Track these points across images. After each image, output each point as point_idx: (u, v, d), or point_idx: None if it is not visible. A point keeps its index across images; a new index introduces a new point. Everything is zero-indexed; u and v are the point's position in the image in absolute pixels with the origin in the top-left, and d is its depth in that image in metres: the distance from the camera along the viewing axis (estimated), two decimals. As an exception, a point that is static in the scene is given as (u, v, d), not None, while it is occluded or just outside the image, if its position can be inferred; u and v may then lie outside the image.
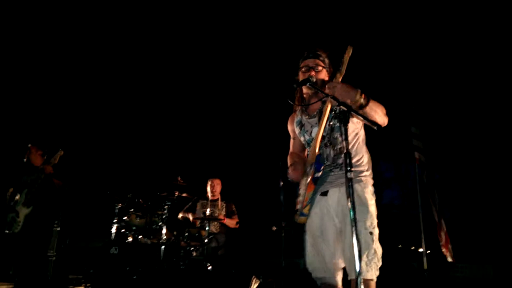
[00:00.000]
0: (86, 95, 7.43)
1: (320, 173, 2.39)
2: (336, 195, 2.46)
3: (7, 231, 4.71)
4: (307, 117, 2.66)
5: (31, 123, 7.05)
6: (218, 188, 5.95)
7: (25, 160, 5.10)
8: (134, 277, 4.61)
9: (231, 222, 5.73)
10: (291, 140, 2.89)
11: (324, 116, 2.42)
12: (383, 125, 2.34)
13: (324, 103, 2.53)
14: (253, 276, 4.31)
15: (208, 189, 5.93)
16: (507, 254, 6.40)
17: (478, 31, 6.17)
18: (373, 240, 2.31)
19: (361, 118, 2.11)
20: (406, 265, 7.28)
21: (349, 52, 2.37)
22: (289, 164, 2.74)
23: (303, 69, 2.63)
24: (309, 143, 2.62)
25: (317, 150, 2.44)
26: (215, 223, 5.63)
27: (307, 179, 2.44)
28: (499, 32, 6.08)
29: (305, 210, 2.48)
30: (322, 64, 2.62)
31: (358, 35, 6.33)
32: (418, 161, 6.32)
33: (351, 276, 2.30)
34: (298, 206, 2.51)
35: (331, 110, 2.50)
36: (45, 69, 7.07)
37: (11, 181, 5.03)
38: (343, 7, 6.31)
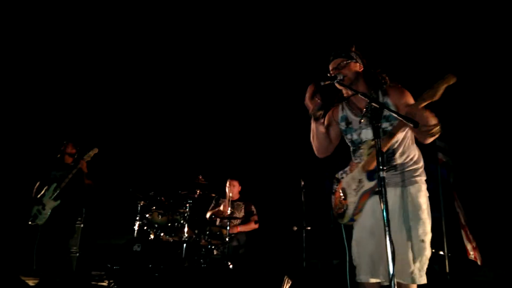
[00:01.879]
0: (110, 95, 7.52)
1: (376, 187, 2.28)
2: (389, 195, 2.33)
3: (30, 223, 4.78)
4: (354, 114, 2.59)
5: (55, 119, 7.19)
6: (235, 189, 5.93)
7: (59, 155, 5.16)
8: (156, 274, 4.65)
9: (247, 227, 5.73)
10: (328, 129, 2.73)
11: (391, 139, 2.32)
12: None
13: (370, 103, 2.33)
14: (286, 276, 4.27)
15: (227, 190, 5.94)
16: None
17: (504, 28, 6.03)
18: (425, 248, 2.28)
19: (397, 115, 2.06)
20: (428, 268, 7.16)
21: (449, 81, 2.03)
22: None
23: (331, 73, 2.60)
24: (357, 143, 2.57)
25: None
26: (235, 222, 5.63)
27: (362, 188, 2.42)
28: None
29: (356, 217, 2.48)
30: (345, 61, 2.56)
31: (382, 32, 6.25)
32: (442, 162, 6.20)
33: (399, 279, 2.25)
34: (345, 210, 2.49)
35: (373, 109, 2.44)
36: (76, 70, 7.20)
37: (40, 175, 5.09)
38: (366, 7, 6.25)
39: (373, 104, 2.13)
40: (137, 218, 5.16)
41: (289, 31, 6.52)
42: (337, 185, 2.64)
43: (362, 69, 2.61)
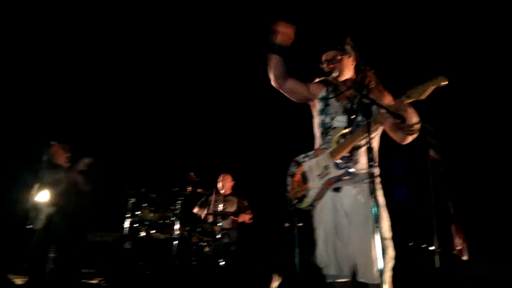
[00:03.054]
0: (100, 91, 7.45)
1: (348, 176, 2.37)
2: (349, 193, 2.43)
3: (30, 226, 4.69)
4: (334, 99, 2.58)
5: (45, 120, 7.10)
6: (228, 184, 5.94)
7: (46, 157, 5.03)
8: (147, 272, 4.63)
9: (245, 218, 5.72)
10: (300, 82, 2.76)
11: (363, 132, 2.27)
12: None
13: (353, 97, 2.46)
14: (275, 273, 4.27)
15: (220, 184, 5.93)
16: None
17: (498, 24, 6.08)
18: (388, 247, 2.30)
19: (386, 109, 2.08)
20: (418, 263, 7.22)
21: (439, 83, 2.01)
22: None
23: (324, 64, 2.60)
24: (326, 127, 2.55)
25: (345, 152, 2.38)
26: (228, 218, 5.62)
27: (328, 175, 2.41)
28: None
29: (316, 203, 2.48)
30: (341, 53, 2.57)
31: (370, 27, 6.26)
32: (432, 158, 6.24)
33: (362, 279, 2.30)
34: (305, 195, 2.50)
35: (352, 102, 2.45)
36: (60, 68, 7.11)
37: (34, 178, 4.98)
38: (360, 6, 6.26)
39: (364, 100, 2.13)
40: (128, 215, 5.11)
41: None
42: (296, 168, 2.62)
43: (354, 63, 2.62)
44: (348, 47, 2.61)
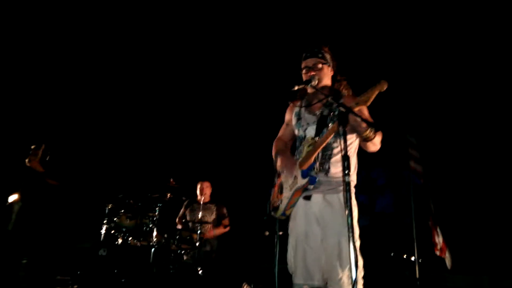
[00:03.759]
0: (78, 95, 7.35)
1: (312, 186, 2.40)
2: (319, 201, 2.45)
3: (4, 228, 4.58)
4: (306, 111, 2.63)
5: (23, 124, 6.96)
6: (207, 191, 5.87)
7: (27, 162, 4.87)
8: (123, 280, 4.52)
9: (220, 231, 5.65)
10: (284, 126, 2.88)
11: (327, 137, 2.33)
12: (373, 152, 2.42)
13: (327, 105, 2.52)
14: (244, 283, 4.24)
15: (198, 192, 5.84)
16: (504, 265, 6.38)
17: (476, 38, 6.19)
18: (356, 255, 2.28)
19: (361, 118, 2.08)
20: (398, 273, 7.23)
21: (382, 87, 2.03)
22: (274, 150, 2.77)
23: (304, 71, 2.63)
24: (300, 139, 2.61)
25: (312, 160, 2.42)
26: (207, 226, 5.54)
27: (296, 184, 2.43)
28: (497, 39, 6.10)
29: (287, 212, 2.54)
30: (322, 61, 2.59)
31: (353, 38, 6.32)
32: (413, 170, 6.28)
33: (330, 286, 2.29)
34: (279, 205, 2.55)
35: (329, 111, 2.50)
36: (37, 68, 6.98)
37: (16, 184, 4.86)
38: (341, 8, 6.30)
39: (341, 108, 2.10)
40: (105, 221, 4.99)
41: (264, 36, 6.55)
42: (277, 179, 2.69)
43: (332, 73, 2.66)
44: (328, 56, 2.64)
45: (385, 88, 2.02)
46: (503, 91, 6.73)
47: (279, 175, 2.67)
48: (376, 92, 2.04)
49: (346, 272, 2.23)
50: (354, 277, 1.84)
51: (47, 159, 4.79)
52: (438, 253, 5.76)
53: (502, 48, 6.27)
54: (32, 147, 4.80)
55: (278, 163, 2.63)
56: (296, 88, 2.56)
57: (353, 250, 1.87)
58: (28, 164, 4.72)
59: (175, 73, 7.34)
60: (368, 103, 2.07)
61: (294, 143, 2.78)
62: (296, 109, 2.70)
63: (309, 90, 2.64)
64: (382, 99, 2.35)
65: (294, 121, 2.70)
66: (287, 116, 2.83)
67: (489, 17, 5.92)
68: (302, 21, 6.38)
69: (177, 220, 5.91)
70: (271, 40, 6.52)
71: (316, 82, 2.52)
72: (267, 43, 6.57)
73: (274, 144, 2.84)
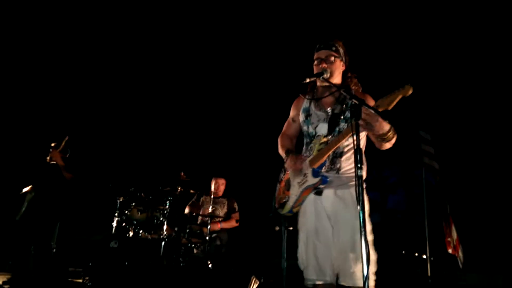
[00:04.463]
0: (92, 90, 7.42)
1: (323, 186, 2.39)
2: (330, 196, 2.43)
3: (17, 219, 4.64)
4: (317, 108, 2.59)
5: (36, 119, 7.05)
6: (222, 187, 5.89)
7: (48, 160, 4.87)
8: (133, 271, 4.55)
9: (228, 224, 5.64)
10: (289, 121, 2.84)
11: (343, 137, 2.30)
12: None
13: (339, 101, 2.49)
14: (253, 276, 4.23)
15: (212, 188, 5.85)
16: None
17: (492, 33, 6.07)
18: (370, 249, 2.26)
19: (373, 111, 2.04)
20: (410, 271, 7.16)
21: (406, 92, 1.97)
22: (281, 147, 2.74)
23: (315, 62, 2.58)
24: (311, 136, 2.57)
25: (324, 159, 2.40)
26: (216, 220, 5.54)
27: (306, 183, 2.42)
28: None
29: (295, 210, 2.53)
30: (335, 54, 2.55)
31: (365, 33, 6.25)
32: (428, 166, 6.16)
33: (343, 282, 2.28)
34: (286, 201, 2.54)
35: (340, 108, 2.48)
36: (53, 67, 7.08)
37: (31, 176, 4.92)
38: (354, 7, 6.24)
39: (354, 100, 2.07)
40: (116, 214, 5.03)
41: (271, 33, 6.52)
42: (283, 175, 2.67)
43: (343, 69, 2.61)
44: (341, 51, 2.59)
45: (409, 93, 1.97)
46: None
47: (285, 171, 2.65)
48: (400, 97, 1.99)
49: (359, 265, 2.20)
50: (365, 273, 1.81)
51: (67, 155, 4.84)
52: (451, 251, 5.68)
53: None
54: (53, 144, 4.87)
55: (287, 162, 2.60)
56: (307, 80, 2.53)
57: (364, 245, 1.84)
58: (49, 157, 4.78)
59: (187, 69, 7.36)
60: (390, 107, 2.03)
61: (299, 138, 2.76)
62: (305, 105, 2.66)
63: (319, 83, 2.60)
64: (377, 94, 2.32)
65: (302, 117, 2.66)
66: (292, 112, 2.79)
67: (507, 13, 5.80)
68: (312, 17, 6.33)
69: (187, 207, 5.90)
70: (283, 38, 6.48)
71: (328, 75, 2.46)
72: (279, 40, 6.54)
73: (279, 140, 2.81)
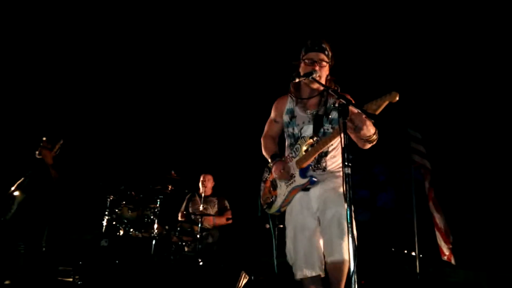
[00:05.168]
0: (82, 89, 7.38)
1: (312, 185, 2.44)
2: (317, 193, 2.48)
3: (1, 218, 4.60)
4: (301, 109, 2.62)
5: (25, 117, 7.00)
6: (209, 184, 5.89)
7: (37, 154, 4.82)
8: (123, 270, 4.54)
9: (220, 221, 5.66)
10: (271, 122, 2.85)
11: (330, 139, 2.35)
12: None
13: (323, 102, 2.53)
14: (242, 272, 4.26)
15: (200, 184, 5.86)
16: (503, 261, 6.38)
17: (481, 29, 6.14)
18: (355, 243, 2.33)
19: (359, 110, 2.06)
20: (399, 268, 7.24)
21: (393, 98, 2.02)
22: (264, 148, 2.78)
23: (306, 61, 2.57)
24: (296, 137, 2.60)
25: (311, 160, 2.44)
26: (209, 218, 5.56)
27: (294, 183, 2.47)
28: (503, 30, 6.05)
29: (283, 209, 2.59)
30: (326, 59, 2.57)
31: (353, 33, 6.29)
32: (419, 165, 6.20)
33: (332, 258, 2.29)
34: (273, 201, 2.59)
35: (324, 110, 2.53)
36: (42, 66, 7.03)
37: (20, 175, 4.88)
38: (340, 6, 6.28)
39: (341, 100, 2.10)
40: (106, 212, 5.01)
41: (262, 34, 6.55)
42: (268, 175, 2.70)
43: (328, 72, 2.63)
44: (330, 54, 2.62)
45: (396, 100, 2.01)
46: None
47: (270, 171, 2.68)
48: (386, 103, 2.03)
49: (345, 238, 2.22)
50: (352, 269, 1.84)
51: (57, 153, 4.82)
52: (445, 258, 5.73)
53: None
54: (44, 139, 4.84)
55: (274, 168, 2.61)
56: (297, 80, 2.54)
57: (352, 242, 1.86)
58: (38, 155, 4.75)
59: (178, 68, 7.35)
60: (377, 113, 2.05)
61: (280, 137, 2.79)
62: (289, 106, 2.68)
63: (305, 82, 2.60)
64: (381, 92, 2.35)
65: (286, 118, 2.68)
66: (274, 112, 2.80)
67: (494, 11, 5.88)
68: (302, 18, 6.37)
69: (179, 213, 5.93)
70: (273, 37, 6.50)
71: (317, 75, 2.47)
72: (270, 40, 6.56)
73: (262, 141, 2.83)
